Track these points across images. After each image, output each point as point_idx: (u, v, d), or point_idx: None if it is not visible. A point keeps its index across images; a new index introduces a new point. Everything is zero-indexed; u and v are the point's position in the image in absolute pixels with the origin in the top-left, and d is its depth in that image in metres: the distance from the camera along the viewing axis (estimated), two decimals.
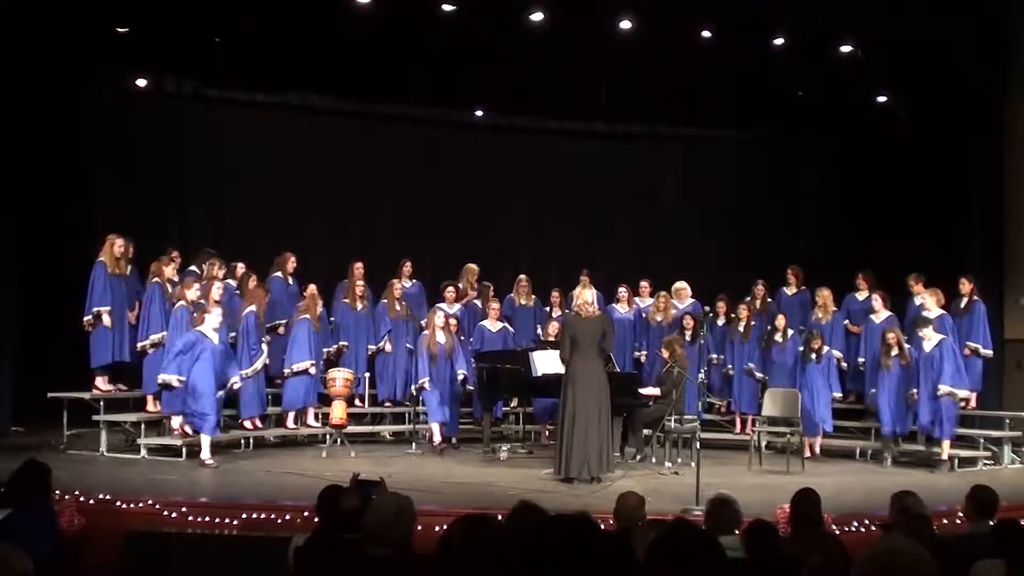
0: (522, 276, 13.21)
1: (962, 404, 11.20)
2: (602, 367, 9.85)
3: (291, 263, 12.41)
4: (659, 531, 2.87)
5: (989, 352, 11.83)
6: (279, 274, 12.33)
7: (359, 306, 12.47)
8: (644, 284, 13.09)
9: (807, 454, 11.35)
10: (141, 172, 13.30)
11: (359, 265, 12.59)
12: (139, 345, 11.00)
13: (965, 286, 11.90)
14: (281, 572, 4.88)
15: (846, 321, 12.55)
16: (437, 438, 11.53)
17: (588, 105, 14.51)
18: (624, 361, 12.43)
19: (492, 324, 12.45)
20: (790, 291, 13.12)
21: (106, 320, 10.82)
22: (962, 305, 11.91)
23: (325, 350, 12.12)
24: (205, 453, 10.06)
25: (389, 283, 12.65)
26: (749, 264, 13.99)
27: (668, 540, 2.77)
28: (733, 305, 12.69)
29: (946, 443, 10.83)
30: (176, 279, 11.18)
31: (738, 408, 12.67)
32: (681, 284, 13.02)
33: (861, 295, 12.59)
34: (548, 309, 12.93)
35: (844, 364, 12.30)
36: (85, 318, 10.83)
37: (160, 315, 10.92)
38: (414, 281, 13.05)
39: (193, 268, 11.74)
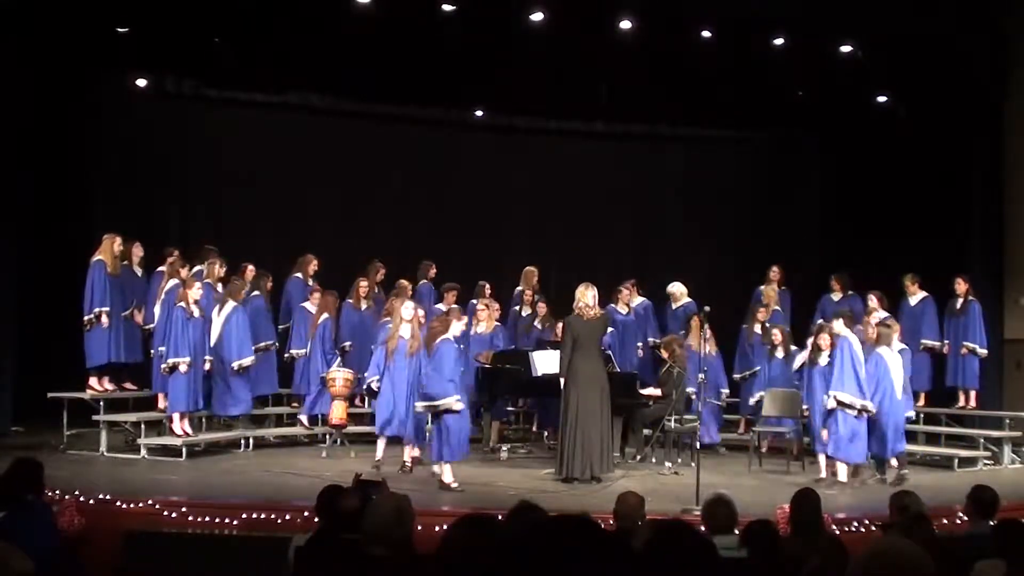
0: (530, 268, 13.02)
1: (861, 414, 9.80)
2: (603, 367, 9.89)
3: (312, 265, 12.45)
4: (653, 532, 2.88)
5: (985, 352, 11.88)
6: (299, 275, 12.40)
7: (363, 306, 12.44)
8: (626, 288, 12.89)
9: (823, 474, 9.99)
10: (141, 172, 13.29)
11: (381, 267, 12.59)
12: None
13: (961, 286, 11.95)
14: (281, 572, 4.88)
15: (820, 321, 12.52)
16: (379, 455, 10.03)
17: (588, 105, 14.49)
18: (626, 360, 12.32)
19: (488, 324, 12.20)
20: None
21: (104, 320, 10.83)
22: (958, 305, 11.97)
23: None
24: (378, 456, 9.59)
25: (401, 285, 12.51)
26: (749, 264, 13.98)
27: (662, 540, 2.77)
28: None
29: (843, 467, 9.78)
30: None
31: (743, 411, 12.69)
32: (672, 287, 12.99)
33: (836, 296, 12.61)
34: (518, 308, 12.84)
35: None
36: (85, 318, 10.83)
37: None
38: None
39: (200, 268, 11.73)
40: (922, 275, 12.27)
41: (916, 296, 12.13)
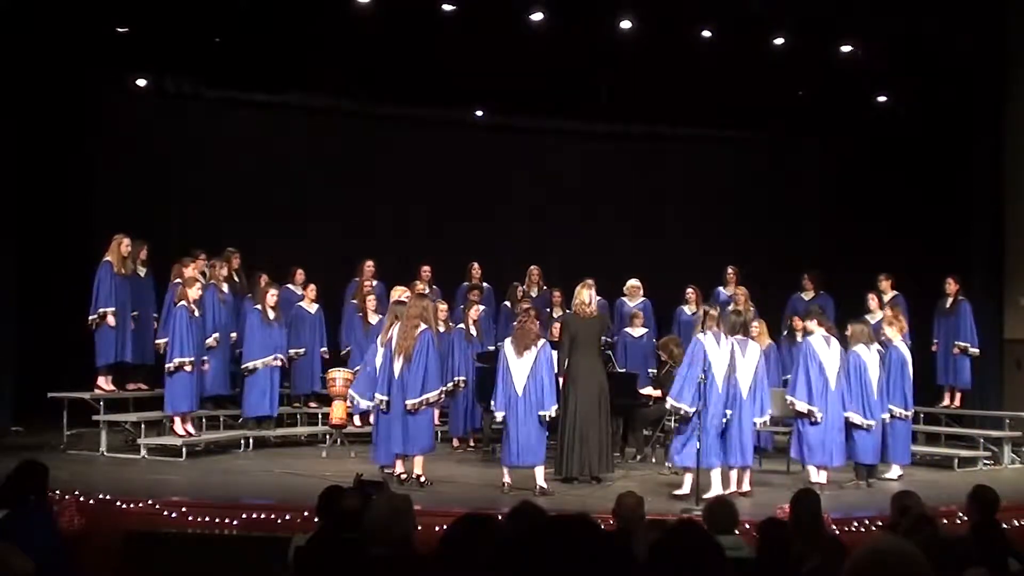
0: (533, 268, 13.10)
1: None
2: (602, 367, 9.89)
3: (369, 268, 12.51)
4: (662, 532, 2.88)
5: (977, 351, 11.95)
6: (359, 279, 12.50)
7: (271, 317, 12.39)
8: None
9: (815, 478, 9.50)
10: (141, 172, 13.28)
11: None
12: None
13: (951, 286, 12.03)
14: (281, 572, 4.89)
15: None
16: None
17: (588, 105, 14.49)
18: None
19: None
20: (728, 291, 12.79)
21: (110, 320, 10.83)
22: (947, 305, 12.04)
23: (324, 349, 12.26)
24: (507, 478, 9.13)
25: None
26: (749, 264, 13.97)
27: (671, 541, 2.77)
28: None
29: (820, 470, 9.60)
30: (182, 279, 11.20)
31: None
32: (634, 282, 13.03)
33: (807, 295, 12.59)
34: (549, 310, 12.87)
35: None
36: (90, 317, 10.83)
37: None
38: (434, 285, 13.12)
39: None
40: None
41: (888, 295, 12.15)
